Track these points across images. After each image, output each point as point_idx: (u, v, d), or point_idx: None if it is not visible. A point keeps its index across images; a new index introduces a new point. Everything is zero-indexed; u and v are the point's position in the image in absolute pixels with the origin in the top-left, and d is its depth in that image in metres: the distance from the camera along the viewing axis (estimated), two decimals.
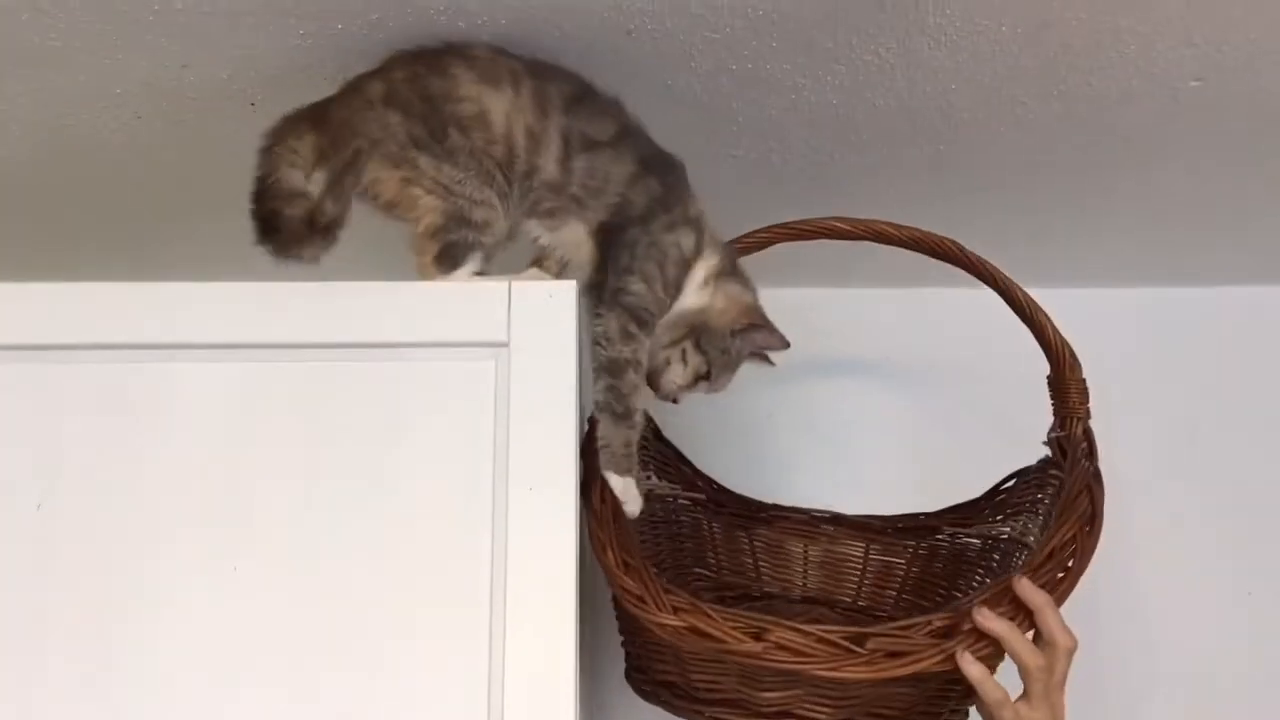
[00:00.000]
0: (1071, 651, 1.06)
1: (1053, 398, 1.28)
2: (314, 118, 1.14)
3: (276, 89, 1.23)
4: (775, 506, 1.51)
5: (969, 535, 1.41)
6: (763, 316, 1.22)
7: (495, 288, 1.09)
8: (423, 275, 1.11)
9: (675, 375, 1.20)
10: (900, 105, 1.29)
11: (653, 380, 1.20)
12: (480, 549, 1.03)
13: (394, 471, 1.05)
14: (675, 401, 1.23)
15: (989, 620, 1.05)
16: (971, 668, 1.04)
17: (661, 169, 1.18)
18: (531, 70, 1.15)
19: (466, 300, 1.09)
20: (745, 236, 1.31)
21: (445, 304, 1.09)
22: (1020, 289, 1.26)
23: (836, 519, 1.49)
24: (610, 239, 1.16)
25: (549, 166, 1.14)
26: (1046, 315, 1.26)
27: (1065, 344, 1.25)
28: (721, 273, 1.21)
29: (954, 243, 1.27)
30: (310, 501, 1.05)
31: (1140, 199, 1.54)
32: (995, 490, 1.39)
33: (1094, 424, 1.26)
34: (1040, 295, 1.28)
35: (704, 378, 1.21)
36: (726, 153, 1.38)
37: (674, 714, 1.21)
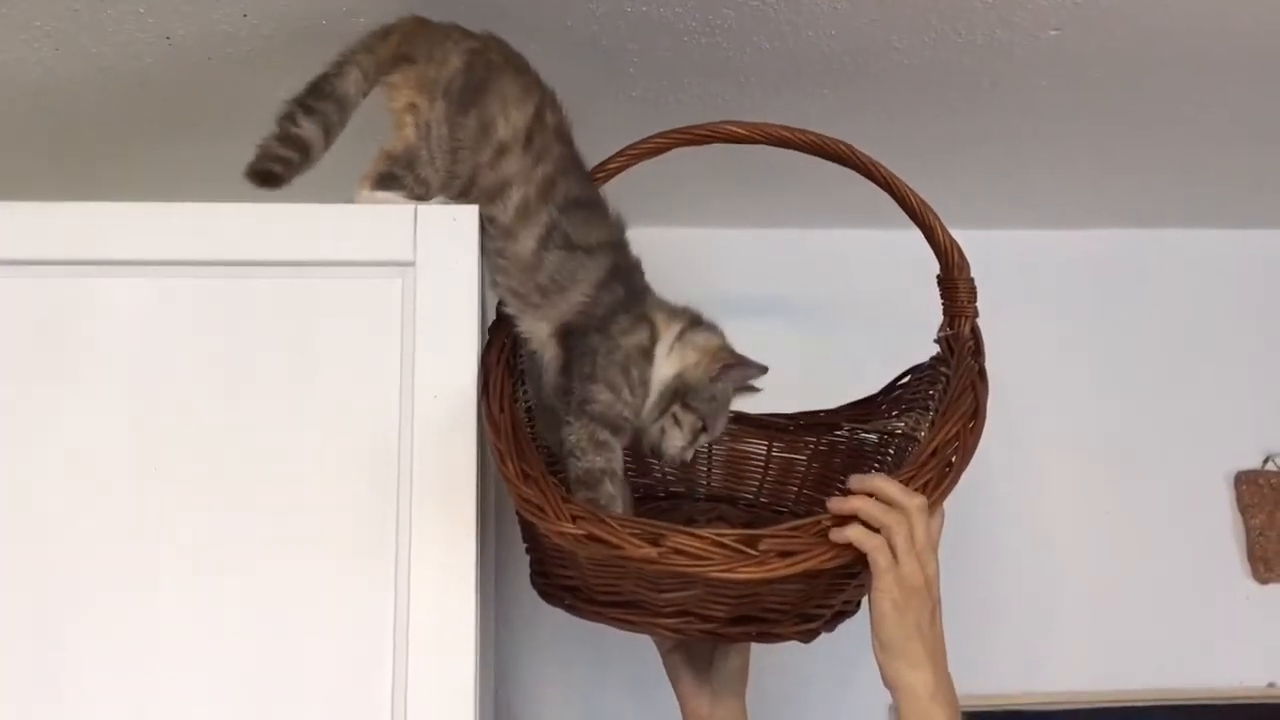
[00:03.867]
0: (922, 508, 1.10)
1: (942, 297, 1.31)
2: (414, 25, 1.22)
3: (192, 24, 1.27)
4: None
5: (866, 431, 1.44)
6: (733, 354, 1.24)
7: (402, 211, 1.16)
8: (359, 186, 1.18)
9: (674, 440, 1.23)
10: (784, 49, 1.37)
11: (656, 452, 1.25)
12: (388, 450, 1.12)
13: (307, 382, 1.13)
14: (685, 462, 1.28)
15: (843, 502, 1.10)
16: (847, 531, 1.08)
17: (627, 274, 1.24)
18: (561, 158, 1.21)
19: (376, 222, 1.16)
20: (643, 142, 1.33)
21: (357, 226, 1.16)
22: (912, 191, 1.29)
23: (739, 417, 1.48)
24: (572, 343, 1.19)
25: (526, 241, 1.18)
26: (937, 216, 1.28)
27: (955, 244, 1.29)
28: (684, 331, 1.24)
29: (847, 145, 1.30)
30: (227, 410, 1.12)
31: (1012, 143, 1.64)
32: (891, 386, 1.42)
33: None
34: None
35: (701, 431, 1.24)
36: (624, 93, 1.45)
37: (577, 616, 1.23)
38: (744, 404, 1.43)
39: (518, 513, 1.27)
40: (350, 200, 1.18)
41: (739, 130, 1.31)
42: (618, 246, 1.24)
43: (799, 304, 1.89)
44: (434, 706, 1.06)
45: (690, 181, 1.64)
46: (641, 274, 1.26)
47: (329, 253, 1.15)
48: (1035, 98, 1.51)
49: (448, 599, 1.09)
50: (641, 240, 1.28)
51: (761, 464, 1.51)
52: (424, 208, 1.16)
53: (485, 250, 1.19)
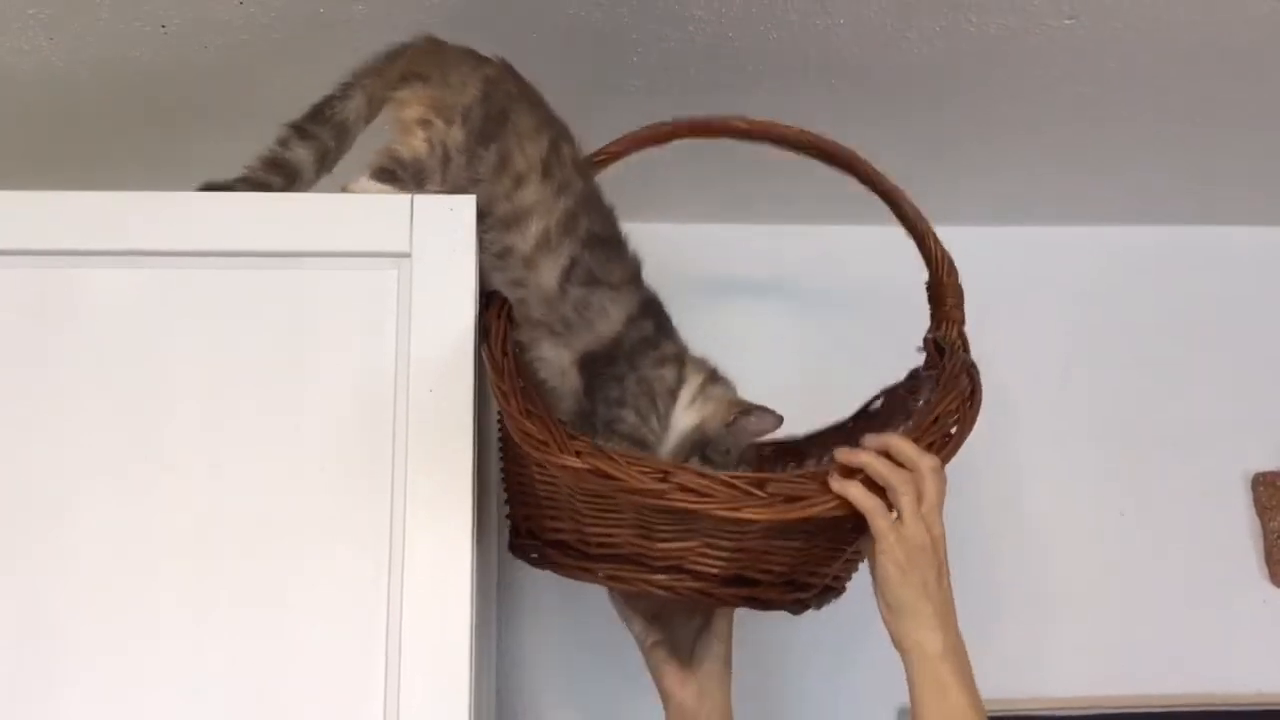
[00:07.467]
0: (935, 469, 1.10)
1: (930, 302, 1.32)
2: (427, 45, 1.21)
3: (187, 13, 1.26)
4: None
5: None
6: (747, 404, 1.24)
7: (398, 201, 1.14)
8: (356, 176, 1.17)
9: None
10: (793, 39, 1.35)
11: None
12: (382, 446, 1.09)
13: (300, 373, 1.11)
14: None
15: (851, 454, 1.10)
16: (848, 487, 1.08)
17: (655, 310, 1.24)
18: (582, 193, 1.20)
19: (371, 212, 1.14)
20: (645, 129, 1.32)
21: (351, 216, 1.14)
22: (906, 198, 1.31)
23: None
24: (596, 369, 1.19)
25: (548, 273, 1.17)
26: (929, 225, 1.30)
27: (945, 252, 1.30)
28: (704, 384, 1.24)
29: (846, 148, 1.31)
30: (219, 402, 1.10)
31: (1024, 137, 1.61)
32: (863, 411, 1.41)
33: (980, 356, 1.29)
34: None
35: None
36: (626, 83, 1.42)
37: (563, 574, 1.21)
38: None
39: (503, 468, 1.27)
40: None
41: (742, 125, 1.32)
42: (640, 281, 1.24)
43: (800, 299, 1.85)
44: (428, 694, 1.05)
45: (687, 174, 1.61)
46: (662, 307, 1.26)
47: (323, 244, 1.13)
48: (1049, 88, 1.48)
49: (443, 590, 1.07)
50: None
51: None
52: (420, 198, 1.14)
53: (499, 280, 1.18)
